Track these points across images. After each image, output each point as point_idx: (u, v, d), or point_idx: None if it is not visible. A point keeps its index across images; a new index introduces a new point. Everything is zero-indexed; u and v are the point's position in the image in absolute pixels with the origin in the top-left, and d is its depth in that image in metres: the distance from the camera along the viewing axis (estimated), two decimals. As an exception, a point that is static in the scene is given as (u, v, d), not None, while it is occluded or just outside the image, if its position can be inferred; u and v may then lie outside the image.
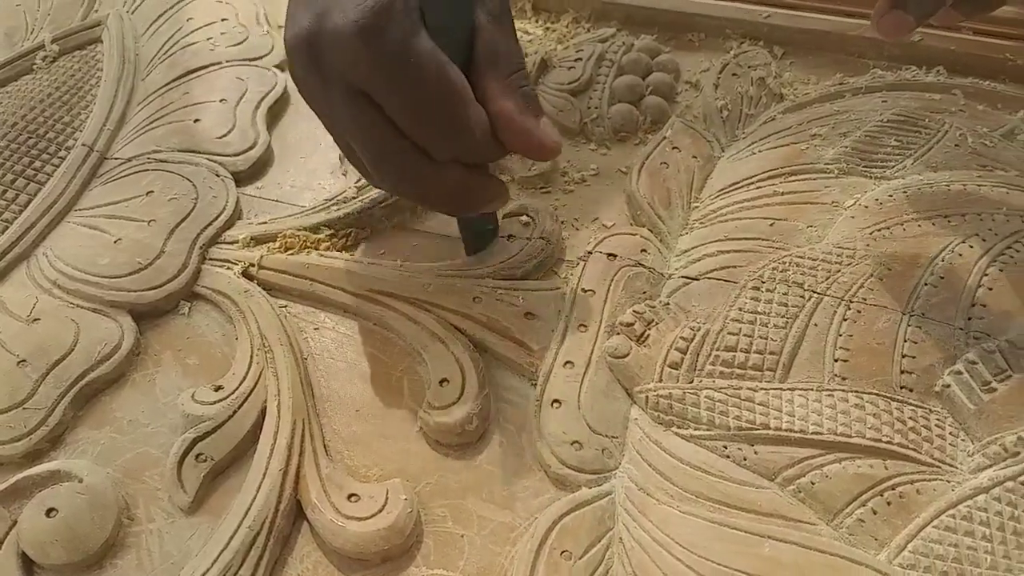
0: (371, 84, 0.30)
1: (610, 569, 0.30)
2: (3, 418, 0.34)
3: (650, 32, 0.49)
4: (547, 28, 0.50)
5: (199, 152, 0.43)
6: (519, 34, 0.48)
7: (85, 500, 0.32)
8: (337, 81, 0.30)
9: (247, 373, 0.35)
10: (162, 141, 0.44)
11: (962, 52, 0.45)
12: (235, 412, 0.34)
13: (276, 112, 0.47)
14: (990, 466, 0.31)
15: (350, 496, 0.32)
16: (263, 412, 0.34)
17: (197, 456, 0.33)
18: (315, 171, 0.44)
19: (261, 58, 0.49)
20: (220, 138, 0.44)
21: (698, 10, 0.48)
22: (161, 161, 0.43)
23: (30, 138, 0.44)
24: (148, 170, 0.42)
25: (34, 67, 0.49)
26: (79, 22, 0.51)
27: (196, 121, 0.45)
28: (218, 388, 0.35)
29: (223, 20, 0.51)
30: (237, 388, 0.35)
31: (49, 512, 0.31)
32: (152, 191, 0.41)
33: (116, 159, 0.44)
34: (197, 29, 0.50)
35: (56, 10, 0.52)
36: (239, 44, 0.49)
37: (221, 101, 0.45)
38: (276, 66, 0.48)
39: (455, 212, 0.37)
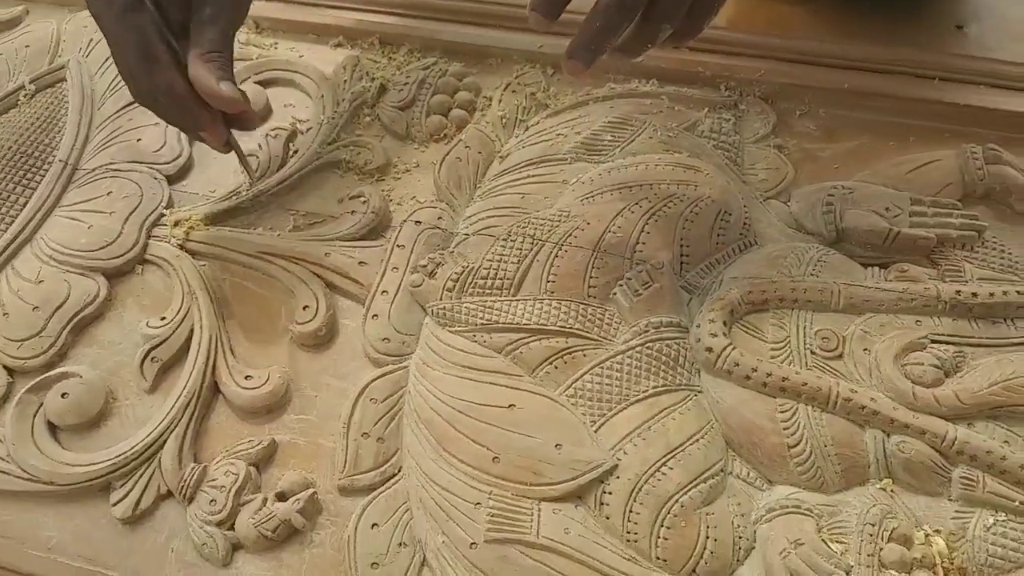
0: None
1: (401, 409, 0.51)
2: (27, 343, 0.54)
3: (462, 59, 0.68)
4: (390, 58, 0.69)
5: (141, 162, 0.62)
6: (368, 62, 0.68)
7: (85, 387, 0.52)
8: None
9: (180, 308, 0.55)
10: (115, 155, 0.63)
11: (669, 67, 0.65)
12: (174, 331, 0.54)
13: (196, 129, 0.66)
14: (631, 340, 0.52)
15: (246, 377, 0.52)
16: (191, 330, 0.54)
17: (152, 359, 0.53)
18: (222, 172, 0.63)
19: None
20: (156, 151, 0.63)
21: (494, 43, 0.68)
22: (115, 170, 0.62)
23: (22, 157, 0.63)
24: (107, 177, 0.62)
25: (18, 103, 0.67)
26: (47, 66, 0.69)
27: (139, 140, 0.64)
28: (163, 318, 0.55)
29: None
30: (175, 317, 0.55)
31: (63, 395, 0.52)
32: (111, 191, 0.61)
33: (84, 169, 0.63)
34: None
35: (30, 57, 0.70)
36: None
37: (155, 124, 0.64)
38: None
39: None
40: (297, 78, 0.67)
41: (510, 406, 0.49)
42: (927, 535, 0.44)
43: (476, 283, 0.55)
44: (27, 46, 0.71)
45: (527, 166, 0.61)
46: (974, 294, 0.51)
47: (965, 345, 0.50)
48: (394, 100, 0.65)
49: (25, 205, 0.61)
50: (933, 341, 0.50)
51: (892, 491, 0.46)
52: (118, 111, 0.66)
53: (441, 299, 0.54)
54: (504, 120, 0.64)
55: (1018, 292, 0.51)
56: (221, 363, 0.53)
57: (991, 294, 0.51)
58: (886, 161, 0.60)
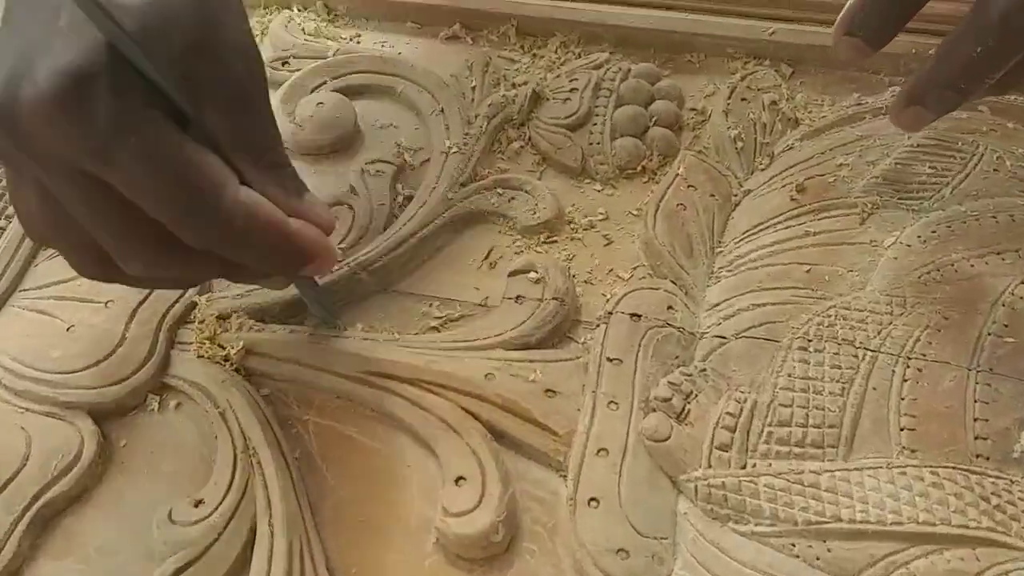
0: (91, 163, 0.24)
1: None
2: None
3: (646, 55, 0.45)
4: (534, 55, 0.45)
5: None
6: (502, 61, 0.44)
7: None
8: (51, 161, 0.25)
9: (231, 482, 0.30)
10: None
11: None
12: (221, 534, 0.29)
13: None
14: (1083, 543, 0.27)
15: (364, 630, 0.27)
16: (253, 531, 0.29)
17: (180, 590, 0.28)
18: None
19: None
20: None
21: (697, 29, 0.44)
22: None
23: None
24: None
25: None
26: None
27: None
28: (199, 503, 0.30)
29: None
30: (221, 502, 0.30)
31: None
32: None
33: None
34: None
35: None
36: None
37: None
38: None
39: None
40: (399, 84, 0.43)
41: None
42: None
43: (771, 434, 0.30)
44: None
45: (799, 216, 0.37)
46: None
47: None
48: (558, 115, 0.41)
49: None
50: None
51: None
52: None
53: (710, 466, 0.30)
54: (739, 143, 0.40)
55: None
56: (313, 601, 0.28)
57: None
58: None
